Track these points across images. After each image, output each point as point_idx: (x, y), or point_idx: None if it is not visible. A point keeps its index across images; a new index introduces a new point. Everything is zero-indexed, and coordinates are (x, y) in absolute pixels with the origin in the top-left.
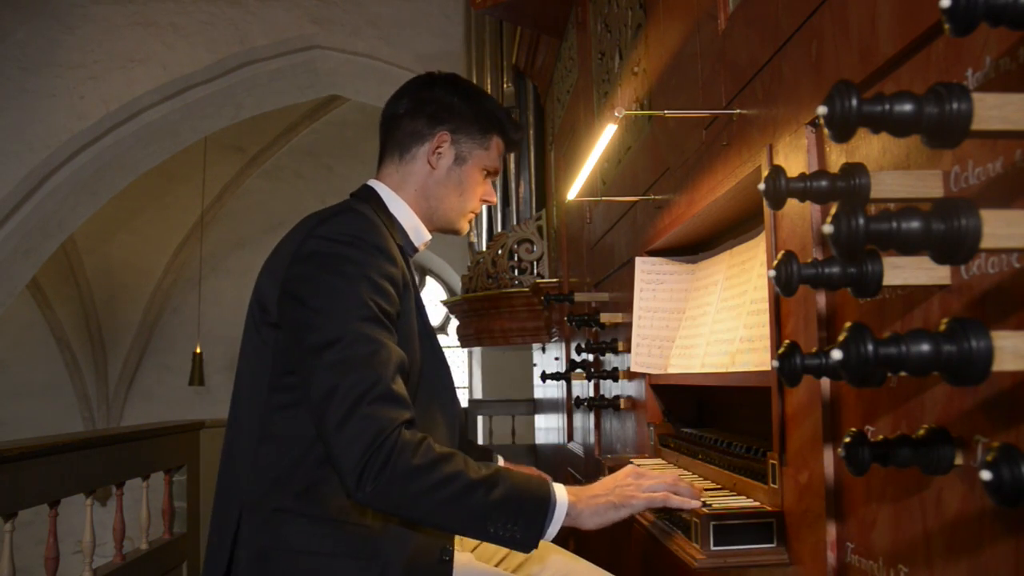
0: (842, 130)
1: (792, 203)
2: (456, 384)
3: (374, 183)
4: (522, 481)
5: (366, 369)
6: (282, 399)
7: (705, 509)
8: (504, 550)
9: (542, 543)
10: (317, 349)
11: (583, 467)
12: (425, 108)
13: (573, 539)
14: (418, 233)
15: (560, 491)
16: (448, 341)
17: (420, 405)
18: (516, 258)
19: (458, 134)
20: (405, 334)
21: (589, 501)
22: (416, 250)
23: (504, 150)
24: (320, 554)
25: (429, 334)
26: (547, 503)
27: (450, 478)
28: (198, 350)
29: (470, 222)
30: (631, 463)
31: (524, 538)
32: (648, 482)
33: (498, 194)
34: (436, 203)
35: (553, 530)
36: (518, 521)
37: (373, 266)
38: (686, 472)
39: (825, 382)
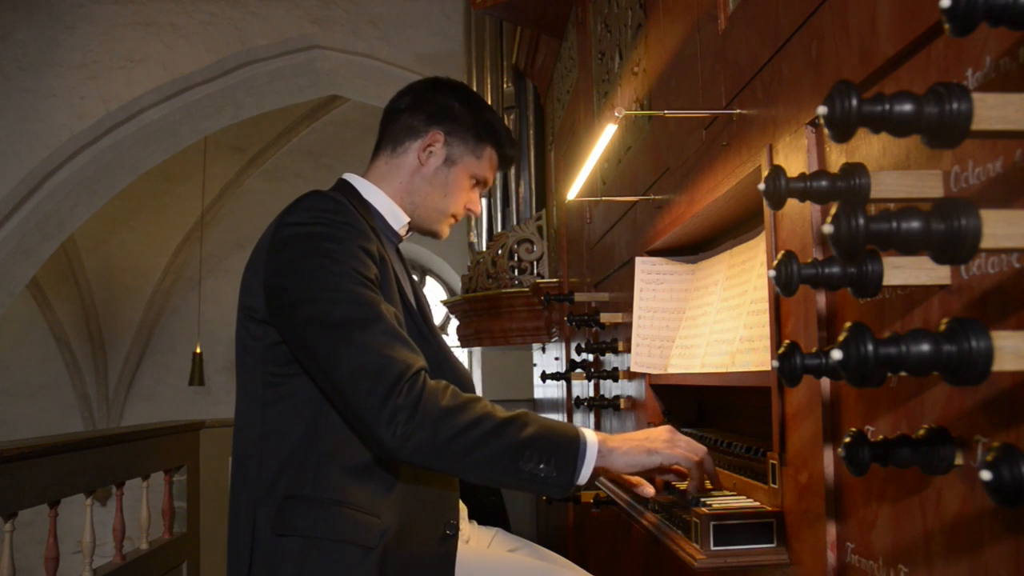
0: (842, 130)
1: (792, 203)
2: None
3: (347, 175)
4: (550, 421)
5: (371, 323)
6: (276, 393)
7: (705, 509)
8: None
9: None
10: (314, 318)
11: None
12: (425, 106)
13: (574, 540)
14: (395, 215)
15: (589, 432)
16: (448, 341)
17: None
18: (516, 258)
19: (452, 136)
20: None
21: (621, 443)
22: (399, 237)
23: (497, 164)
24: (328, 539)
25: (411, 311)
26: (578, 442)
27: (480, 418)
28: (198, 350)
29: (450, 227)
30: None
31: (559, 477)
32: (683, 441)
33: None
34: (419, 199)
35: (586, 471)
36: (551, 459)
37: (346, 239)
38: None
39: (825, 382)
